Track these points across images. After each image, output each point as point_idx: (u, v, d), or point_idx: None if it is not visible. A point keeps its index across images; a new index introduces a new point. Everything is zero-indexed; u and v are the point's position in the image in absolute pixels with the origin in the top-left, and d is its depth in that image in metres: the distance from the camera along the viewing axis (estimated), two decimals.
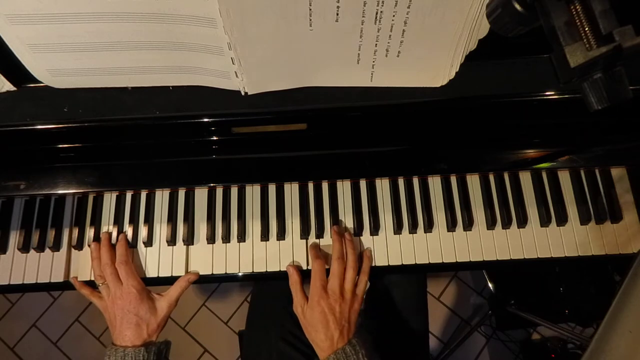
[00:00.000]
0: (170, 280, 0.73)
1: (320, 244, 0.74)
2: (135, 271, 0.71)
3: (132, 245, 0.74)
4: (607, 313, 0.43)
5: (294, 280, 0.71)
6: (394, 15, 0.46)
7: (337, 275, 0.69)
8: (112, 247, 0.73)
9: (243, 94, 0.56)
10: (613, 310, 0.42)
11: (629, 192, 0.76)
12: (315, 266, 0.70)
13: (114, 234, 0.74)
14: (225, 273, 0.74)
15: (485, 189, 0.76)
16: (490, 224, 0.74)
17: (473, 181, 0.76)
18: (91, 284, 0.73)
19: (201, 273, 0.74)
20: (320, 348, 0.67)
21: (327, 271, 0.70)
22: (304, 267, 0.74)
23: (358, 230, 0.74)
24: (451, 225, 0.74)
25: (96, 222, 0.75)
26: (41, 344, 1.53)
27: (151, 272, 0.74)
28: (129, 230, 0.75)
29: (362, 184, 0.76)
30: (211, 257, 0.74)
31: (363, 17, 0.46)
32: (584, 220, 0.74)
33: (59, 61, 0.52)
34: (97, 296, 0.72)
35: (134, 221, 0.75)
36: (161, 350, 0.69)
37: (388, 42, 0.50)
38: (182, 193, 0.76)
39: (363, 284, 0.71)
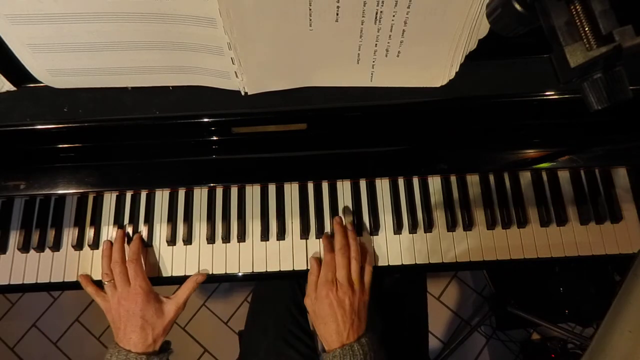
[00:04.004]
0: (170, 281, 0.73)
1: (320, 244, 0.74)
2: (144, 272, 0.69)
3: None
4: (607, 313, 0.43)
5: (313, 271, 0.70)
6: (394, 15, 0.46)
7: (343, 266, 0.68)
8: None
9: (243, 94, 0.56)
10: (613, 310, 0.42)
11: (629, 192, 0.76)
12: (328, 258, 0.69)
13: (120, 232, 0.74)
14: (225, 273, 0.74)
15: (485, 189, 0.76)
16: (490, 224, 0.74)
17: (473, 181, 0.76)
18: (96, 284, 0.72)
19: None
20: (329, 343, 0.65)
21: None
22: (305, 267, 0.73)
23: (358, 230, 0.74)
24: (451, 225, 0.74)
25: (96, 222, 0.75)
26: (41, 344, 1.52)
27: (151, 273, 0.73)
28: (129, 230, 0.75)
29: (362, 184, 0.76)
30: (211, 257, 0.74)
31: (363, 17, 0.46)
32: (584, 220, 0.74)
33: (59, 61, 0.52)
34: (101, 296, 0.70)
35: (133, 221, 0.75)
36: None
37: (388, 42, 0.50)
38: (182, 193, 0.76)
39: (369, 274, 0.71)
